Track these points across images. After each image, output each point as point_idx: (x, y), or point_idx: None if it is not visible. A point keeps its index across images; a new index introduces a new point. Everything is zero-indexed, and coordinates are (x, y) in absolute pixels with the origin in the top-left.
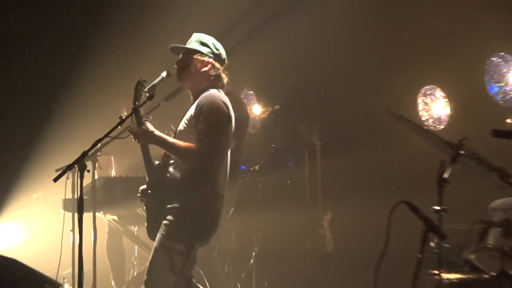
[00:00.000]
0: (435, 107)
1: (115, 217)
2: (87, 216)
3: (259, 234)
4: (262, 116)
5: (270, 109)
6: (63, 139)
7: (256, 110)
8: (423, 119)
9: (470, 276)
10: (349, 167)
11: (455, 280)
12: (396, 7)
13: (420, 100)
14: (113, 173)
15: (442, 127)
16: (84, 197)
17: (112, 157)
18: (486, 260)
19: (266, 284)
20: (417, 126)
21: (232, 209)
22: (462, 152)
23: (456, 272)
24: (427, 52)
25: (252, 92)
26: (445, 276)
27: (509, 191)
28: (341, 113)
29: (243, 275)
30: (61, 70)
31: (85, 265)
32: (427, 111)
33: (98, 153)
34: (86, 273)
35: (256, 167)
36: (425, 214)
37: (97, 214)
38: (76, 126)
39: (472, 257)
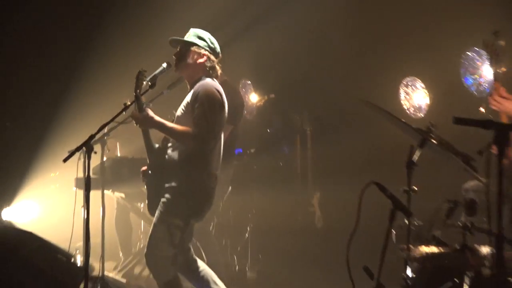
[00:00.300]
0: (415, 96)
1: (123, 195)
2: (97, 194)
3: (254, 211)
4: (258, 104)
5: (266, 98)
6: (78, 122)
7: (253, 98)
8: (405, 107)
9: (436, 249)
10: (336, 151)
11: (422, 254)
12: (380, 5)
13: (402, 90)
14: (118, 154)
15: (422, 115)
16: (94, 176)
17: (117, 142)
18: (451, 235)
19: (260, 257)
20: (391, 115)
21: (230, 188)
22: (430, 137)
23: (424, 246)
24: (409, 46)
25: (249, 82)
26: (414, 250)
27: (472, 174)
28: (330, 102)
29: (239, 248)
30: (76, 57)
31: (96, 238)
32: (408, 100)
33: (106, 137)
34: (97, 245)
35: (252, 150)
36: (393, 194)
37: (106, 191)
38: (89, 109)
39: (439, 232)
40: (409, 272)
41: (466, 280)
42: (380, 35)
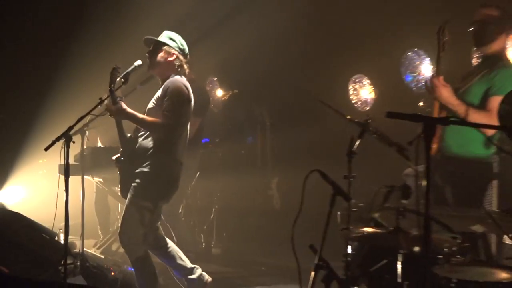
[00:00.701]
0: (362, 92)
1: (101, 180)
2: (78, 179)
3: (219, 194)
4: (224, 98)
5: (230, 93)
6: (63, 112)
7: (219, 93)
8: (353, 102)
9: (373, 230)
10: (292, 141)
11: (360, 234)
12: (333, 10)
13: (351, 86)
14: (99, 145)
15: (368, 108)
16: (75, 163)
17: (98, 133)
18: (387, 218)
19: (224, 235)
20: (336, 110)
21: (198, 173)
22: (369, 129)
23: (363, 227)
24: (358, 47)
25: (216, 78)
26: (353, 230)
27: (406, 163)
28: (288, 97)
29: (205, 227)
30: (61, 51)
31: (77, 219)
32: (356, 96)
33: (85, 128)
34: (78, 225)
35: (217, 140)
36: (333, 180)
37: (86, 177)
38: (73, 100)
39: (377, 215)
40: (349, 250)
41: (399, 258)
42: (332, 36)
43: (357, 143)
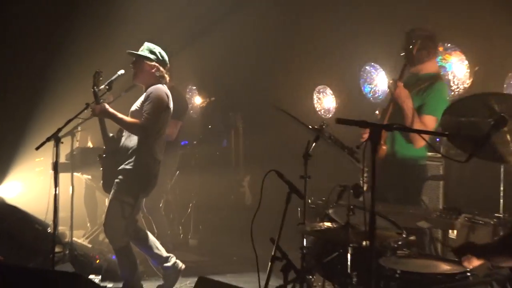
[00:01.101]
0: (325, 101)
1: (90, 177)
2: (69, 176)
3: (196, 191)
4: (202, 105)
5: (208, 100)
6: (56, 115)
7: (198, 100)
8: (317, 109)
9: (325, 225)
10: (262, 143)
11: (314, 229)
12: (299, 30)
13: (315, 95)
14: (89, 145)
15: (330, 115)
16: (66, 161)
17: (88, 135)
18: (340, 214)
19: (200, 227)
20: (294, 117)
21: (177, 172)
22: (324, 134)
23: (318, 223)
24: (322, 59)
25: (194, 87)
26: (308, 225)
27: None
28: (258, 104)
29: (183, 220)
30: (52, 54)
31: (67, 211)
32: (320, 104)
33: (75, 130)
34: (68, 217)
35: (195, 142)
36: (288, 180)
37: (76, 174)
38: (65, 103)
39: (330, 211)
40: (305, 243)
41: (349, 250)
42: (300, 50)
43: (312, 146)
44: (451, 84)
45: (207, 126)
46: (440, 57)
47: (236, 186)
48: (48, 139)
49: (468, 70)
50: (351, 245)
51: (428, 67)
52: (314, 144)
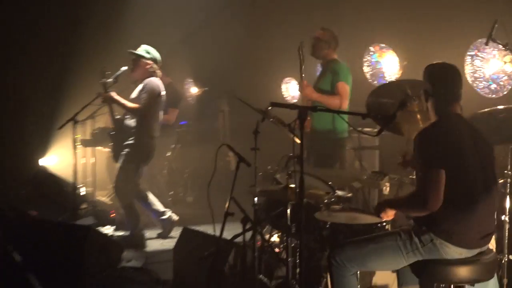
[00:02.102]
0: (291, 90)
1: (109, 149)
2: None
3: (191, 159)
4: (197, 93)
5: (202, 90)
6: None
7: (194, 90)
8: (285, 96)
9: (272, 187)
10: (243, 123)
11: (263, 190)
12: (269, 30)
13: (283, 85)
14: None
15: (295, 101)
16: (90, 138)
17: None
18: (284, 178)
19: (196, 188)
20: (245, 102)
21: (180, 145)
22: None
23: (267, 186)
24: (288, 54)
25: (191, 79)
26: (258, 188)
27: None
28: (240, 91)
29: (182, 183)
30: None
31: (93, 176)
32: (287, 92)
33: (95, 114)
34: (92, 181)
35: (191, 122)
36: (237, 152)
37: (99, 147)
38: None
39: (278, 176)
40: (256, 201)
41: (289, 207)
42: (273, 48)
43: (260, 124)
44: (385, 76)
45: (202, 110)
46: (376, 55)
47: (223, 156)
48: (67, 121)
49: (399, 65)
50: (290, 202)
51: (327, 56)
52: (261, 122)
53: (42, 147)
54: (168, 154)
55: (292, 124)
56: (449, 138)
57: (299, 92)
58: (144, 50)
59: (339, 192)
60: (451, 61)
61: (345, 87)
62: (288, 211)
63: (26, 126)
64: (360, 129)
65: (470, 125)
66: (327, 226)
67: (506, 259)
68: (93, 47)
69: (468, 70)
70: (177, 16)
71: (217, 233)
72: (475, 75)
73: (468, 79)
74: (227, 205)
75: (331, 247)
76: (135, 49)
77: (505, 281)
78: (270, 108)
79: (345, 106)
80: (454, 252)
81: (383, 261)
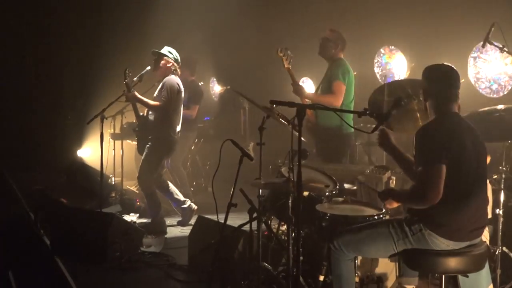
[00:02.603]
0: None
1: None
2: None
3: (213, 152)
4: (220, 91)
5: (225, 88)
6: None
7: (217, 88)
8: None
9: (275, 180)
10: (261, 119)
11: (266, 182)
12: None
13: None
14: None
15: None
16: (118, 132)
17: None
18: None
19: (218, 179)
20: (248, 99)
21: (196, 140)
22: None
23: (270, 178)
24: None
25: (215, 78)
26: (262, 180)
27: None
28: (258, 90)
29: (203, 174)
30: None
31: (118, 168)
32: None
33: (124, 110)
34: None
35: (213, 118)
36: (241, 146)
37: (128, 141)
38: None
39: (283, 169)
40: (261, 193)
41: (290, 198)
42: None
43: (266, 121)
44: (394, 76)
45: (225, 106)
46: (386, 56)
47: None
48: (95, 116)
49: (407, 66)
50: (291, 194)
51: (334, 56)
52: (267, 119)
53: (79, 140)
54: (192, 148)
55: (292, 120)
56: (450, 135)
57: (294, 93)
58: (166, 50)
59: (346, 186)
60: (455, 62)
61: (340, 86)
62: (289, 202)
63: (65, 121)
64: (357, 126)
65: (467, 124)
66: (327, 217)
67: (499, 251)
68: (120, 48)
69: (471, 71)
70: (200, 17)
71: (233, 224)
72: (478, 75)
73: (471, 79)
74: (231, 195)
75: (331, 234)
76: (159, 49)
77: (498, 271)
78: (274, 106)
79: (339, 103)
80: (441, 243)
81: (375, 247)
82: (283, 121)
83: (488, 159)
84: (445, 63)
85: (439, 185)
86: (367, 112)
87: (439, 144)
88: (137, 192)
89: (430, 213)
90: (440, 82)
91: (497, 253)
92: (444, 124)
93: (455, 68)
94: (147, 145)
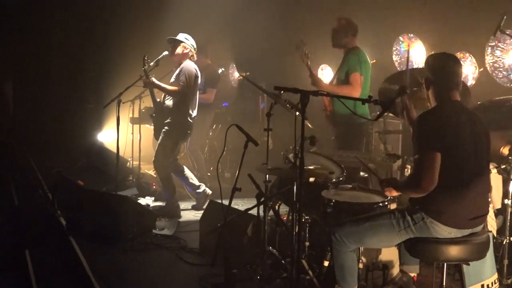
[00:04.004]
0: (324, 77)
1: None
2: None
3: (230, 138)
4: (239, 78)
5: (243, 74)
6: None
7: (236, 75)
8: None
9: (282, 166)
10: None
11: (272, 168)
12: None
13: (319, 71)
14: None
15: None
16: (136, 116)
17: None
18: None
19: (234, 164)
20: (257, 86)
21: (220, 125)
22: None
23: (278, 166)
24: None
25: (234, 64)
26: (269, 165)
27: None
28: (277, 76)
29: (220, 159)
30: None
31: (136, 152)
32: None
33: (142, 94)
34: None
35: (231, 104)
36: (246, 131)
37: (146, 125)
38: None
39: (290, 156)
40: (267, 178)
41: (295, 184)
42: (308, 34)
43: (272, 107)
44: (413, 65)
45: (242, 92)
46: (404, 44)
47: (261, 135)
48: (112, 100)
49: (425, 54)
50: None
51: (348, 45)
52: (274, 105)
53: (99, 124)
54: (210, 133)
55: (296, 106)
56: (445, 123)
57: (313, 84)
58: (183, 36)
59: (361, 173)
60: (474, 51)
61: (356, 78)
62: (294, 188)
63: (85, 105)
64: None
65: (468, 112)
66: (332, 204)
67: (507, 241)
68: (136, 35)
69: (488, 60)
70: (218, 2)
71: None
72: (495, 65)
73: (488, 68)
74: (235, 180)
75: (332, 225)
76: (175, 35)
77: (505, 262)
78: (282, 92)
79: (357, 95)
80: (443, 231)
81: (378, 238)
82: (290, 108)
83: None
84: (447, 52)
85: (433, 172)
86: (371, 100)
87: (432, 132)
88: (154, 176)
89: (430, 201)
90: (439, 70)
91: (504, 243)
92: (440, 112)
93: (456, 56)
94: (163, 129)
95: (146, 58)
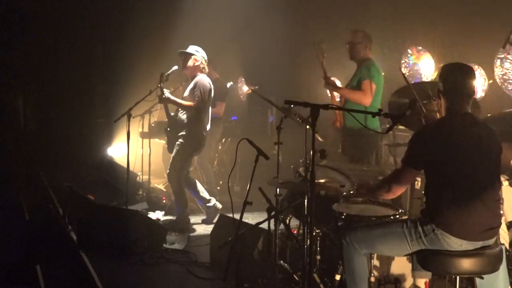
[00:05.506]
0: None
1: (164, 141)
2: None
3: (239, 152)
4: (248, 91)
5: (252, 88)
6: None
7: (245, 88)
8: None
9: (292, 179)
10: (289, 119)
11: (283, 181)
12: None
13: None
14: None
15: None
16: (146, 131)
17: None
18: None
19: (243, 178)
20: (266, 99)
21: (229, 139)
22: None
23: (289, 179)
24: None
25: (243, 78)
26: (279, 179)
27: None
28: (286, 90)
29: (230, 172)
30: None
31: (146, 166)
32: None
33: (152, 109)
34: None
35: (240, 117)
36: (257, 145)
37: (156, 139)
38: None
39: (301, 169)
40: (278, 191)
41: (306, 198)
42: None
43: (283, 122)
44: (422, 77)
45: (252, 106)
46: (413, 56)
47: (270, 149)
48: (122, 115)
49: (434, 67)
50: (308, 193)
51: (361, 55)
52: (284, 119)
53: (109, 138)
54: (219, 147)
55: (306, 120)
56: (442, 139)
57: (326, 87)
58: (193, 49)
59: None
60: (483, 63)
61: (368, 85)
62: (305, 202)
63: (95, 120)
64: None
65: (478, 124)
66: (343, 217)
67: None
68: (145, 49)
69: (497, 72)
70: (226, 15)
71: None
72: (505, 77)
73: (497, 80)
74: (247, 193)
75: (344, 229)
76: (185, 49)
77: None
78: (292, 106)
79: (368, 102)
80: (454, 243)
81: (389, 246)
82: (300, 121)
83: None
84: (460, 63)
85: (405, 185)
86: (382, 113)
87: (418, 150)
88: (164, 190)
89: (440, 213)
90: (451, 81)
91: None
92: (440, 127)
93: (469, 67)
94: (177, 142)
95: (164, 74)
